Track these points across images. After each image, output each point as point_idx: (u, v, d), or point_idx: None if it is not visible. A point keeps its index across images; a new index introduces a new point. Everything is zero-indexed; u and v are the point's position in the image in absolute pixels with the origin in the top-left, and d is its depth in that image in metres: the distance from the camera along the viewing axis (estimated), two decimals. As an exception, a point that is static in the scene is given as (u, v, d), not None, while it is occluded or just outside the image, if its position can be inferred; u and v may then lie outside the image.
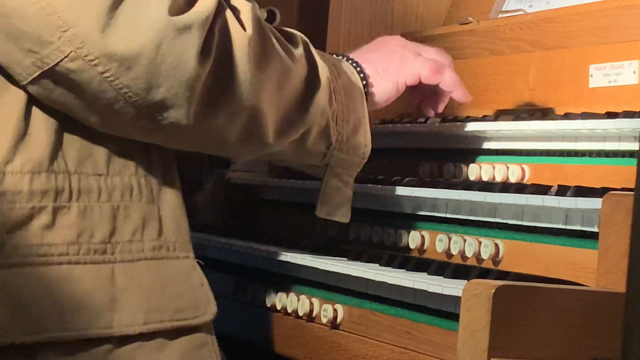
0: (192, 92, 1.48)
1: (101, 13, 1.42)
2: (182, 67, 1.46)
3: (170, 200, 1.62)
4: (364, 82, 1.82)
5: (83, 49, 1.43)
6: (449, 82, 1.91)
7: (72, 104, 1.49)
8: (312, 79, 1.69)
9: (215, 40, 1.50)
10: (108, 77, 1.45)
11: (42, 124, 1.50)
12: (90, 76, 1.44)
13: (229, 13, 1.54)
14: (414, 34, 2.40)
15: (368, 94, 1.83)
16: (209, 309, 1.59)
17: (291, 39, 1.69)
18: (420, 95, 1.97)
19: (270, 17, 2.31)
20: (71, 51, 1.43)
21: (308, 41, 1.73)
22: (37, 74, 1.45)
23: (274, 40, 1.62)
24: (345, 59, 1.84)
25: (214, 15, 1.50)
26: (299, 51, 1.68)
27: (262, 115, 1.58)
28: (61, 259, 1.48)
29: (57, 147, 1.51)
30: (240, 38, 1.53)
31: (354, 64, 1.83)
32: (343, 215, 1.78)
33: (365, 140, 1.78)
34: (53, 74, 1.45)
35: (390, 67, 1.86)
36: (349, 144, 1.76)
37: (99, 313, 1.48)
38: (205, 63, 1.49)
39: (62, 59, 1.43)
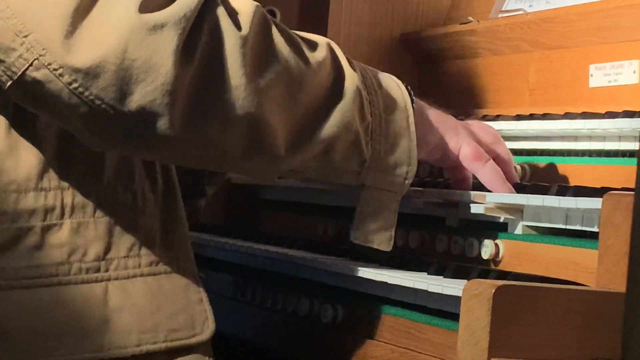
0: (172, 97, 1.33)
1: (65, 16, 1.28)
2: (156, 69, 1.31)
3: (171, 211, 1.55)
4: (413, 99, 1.63)
5: (46, 57, 1.30)
6: (485, 178, 1.70)
7: (53, 120, 1.39)
8: (335, 88, 1.53)
9: (201, 39, 1.36)
10: (76, 88, 1.31)
11: (30, 140, 1.42)
12: (58, 88, 1.31)
13: (221, 11, 1.39)
14: (414, 34, 2.40)
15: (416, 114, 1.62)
16: (206, 328, 1.53)
17: (311, 44, 1.53)
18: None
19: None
20: (35, 59, 1.30)
21: (336, 48, 1.57)
22: (9, 84, 1.33)
23: (283, 43, 1.47)
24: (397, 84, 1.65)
25: (200, 12, 1.36)
26: (319, 57, 1.52)
27: (266, 125, 1.43)
28: (50, 281, 1.42)
29: (48, 163, 1.43)
30: (233, 38, 1.38)
31: (406, 87, 1.64)
32: (382, 243, 1.61)
33: (408, 158, 1.60)
34: (23, 85, 1.32)
35: (441, 124, 1.68)
36: (387, 162, 1.59)
37: (90, 336, 1.42)
38: (188, 64, 1.34)
39: (27, 68, 1.31)
